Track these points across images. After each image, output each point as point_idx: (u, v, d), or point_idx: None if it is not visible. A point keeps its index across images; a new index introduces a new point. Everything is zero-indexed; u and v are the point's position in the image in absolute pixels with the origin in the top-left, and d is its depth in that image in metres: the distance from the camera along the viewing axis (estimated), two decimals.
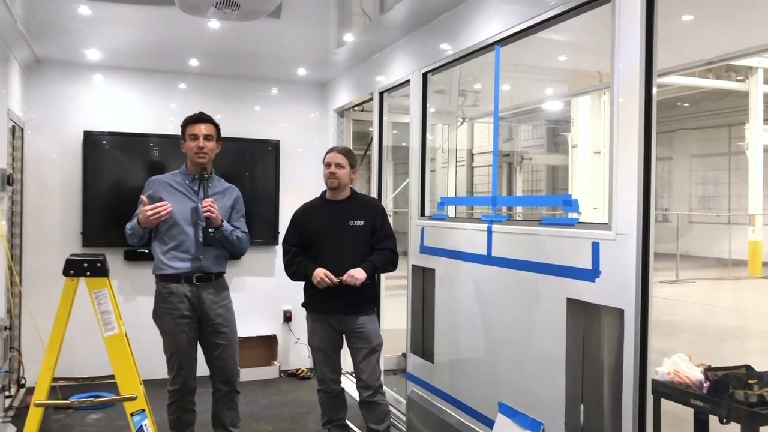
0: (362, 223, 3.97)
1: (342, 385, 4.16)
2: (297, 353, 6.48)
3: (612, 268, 2.72)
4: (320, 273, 3.82)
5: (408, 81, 4.66)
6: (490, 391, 3.60)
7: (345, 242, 3.93)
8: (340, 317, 3.96)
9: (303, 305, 4.10)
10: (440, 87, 5.74)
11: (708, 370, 3.39)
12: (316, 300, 3.99)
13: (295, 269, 3.97)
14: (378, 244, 3.97)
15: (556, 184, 21.48)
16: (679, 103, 18.06)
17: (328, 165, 4.00)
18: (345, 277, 3.81)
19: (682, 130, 20.13)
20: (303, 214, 4.11)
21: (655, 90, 2.64)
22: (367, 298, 4.00)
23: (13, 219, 5.41)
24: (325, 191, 4.11)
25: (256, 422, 4.94)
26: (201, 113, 3.86)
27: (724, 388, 3.11)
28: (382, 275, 4.87)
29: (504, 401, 3.45)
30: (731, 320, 10.38)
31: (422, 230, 4.39)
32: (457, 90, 6.15)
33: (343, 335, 4.05)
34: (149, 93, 6.12)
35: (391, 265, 4.02)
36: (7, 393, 4.87)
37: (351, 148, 4.25)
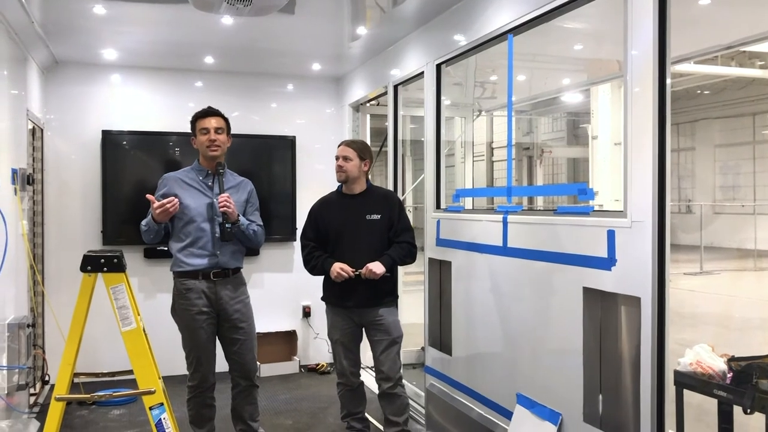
0: (379, 216, 3.94)
1: (361, 378, 4.16)
2: (316, 348, 6.50)
3: (628, 256, 2.68)
4: (337, 267, 3.82)
5: (422, 73, 4.64)
6: (508, 383, 3.58)
7: (362, 236, 3.91)
8: (359, 310, 3.95)
9: (322, 299, 4.10)
10: (457, 80, 5.72)
11: (731, 360, 3.33)
12: (335, 294, 3.98)
13: (313, 264, 3.97)
14: (396, 237, 3.95)
15: (577, 176, 21.28)
16: (699, 91, 17.78)
17: (337, 158, 4.00)
18: (363, 271, 3.79)
19: (704, 119, 19.83)
20: (320, 209, 4.10)
21: (669, 77, 2.59)
22: (387, 290, 3.99)
23: (34, 219, 5.49)
24: (341, 185, 4.10)
25: (276, 417, 4.96)
26: (209, 107, 3.87)
27: (747, 378, 3.06)
28: (400, 270, 4.86)
29: (522, 392, 3.42)
30: (756, 311, 10.21)
31: (438, 223, 4.37)
32: (473, 82, 6.11)
33: (363, 328, 4.04)
34: (166, 92, 6.17)
35: (410, 258, 4.00)
36: (31, 390, 4.94)
37: (365, 142, 4.21)
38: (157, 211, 3.55)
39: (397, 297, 4.11)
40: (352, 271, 3.81)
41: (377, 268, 3.80)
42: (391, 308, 4.03)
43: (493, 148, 16.54)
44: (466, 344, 4.08)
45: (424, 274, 4.61)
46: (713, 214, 19.30)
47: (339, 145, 4.08)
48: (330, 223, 3.99)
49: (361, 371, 4.27)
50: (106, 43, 5.31)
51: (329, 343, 6.37)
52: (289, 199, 6.38)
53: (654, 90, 2.59)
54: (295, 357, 6.35)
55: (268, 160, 6.41)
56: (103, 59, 5.73)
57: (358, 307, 3.94)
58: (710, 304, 10.48)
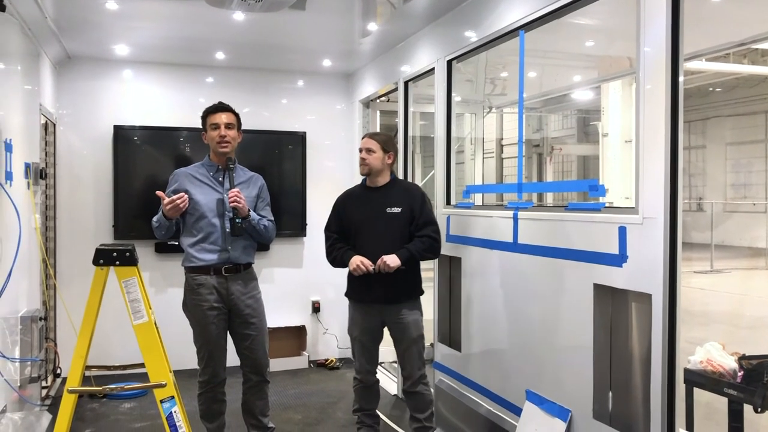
0: (400, 210, 3.85)
1: (377, 376, 4.09)
2: (326, 344, 6.53)
3: (639, 253, 2.68)
4: (356, 260, 3.75)
5: (433, 69, 4.64)
6: (517, 379, 3.59)
7: (381, 229, 3.83)
8: (380, 306, 3.86)
9: (345, 294, 4.03)
10: (467, 76, 5.71)
11: (742, 358, 3.32)
12: (357, 288, 3.91)
13: (334, 256, 3.91)
14: (418, 231, 3.84)
15: (587, 174, 21.20)
16: (711, 89, 17.66)
17: (360, 151, 3.94)
18: (378, 263, 3.70)
19: (716, 117, 19.71)
20: (343, 201, 4.04)
21: (682, 74, 2.58)
22: (409, 288, 3.89)
23: (47, 213, 5.53)
24: (365, 178, 4.03)
25: (285, 411, 4.99)
26: (220, 102, 3.87)
27: (758, 376, 3.05)
28: None
29: (531, 389, 3.43)
30: (767, 310, 10.15)
31: (448, 219, 4.38)
32: (483, 78, 6.10)
33: (384, 325, 3.95)
34: (177, 87, 6.19)
35: (431, 253, 3.88)
36: (43, 383, 4.99)
37: (390, 134, 4.10)
38: (167, 207, 3.56)
39: (420, 294, 3.97)
40: (371, 265, 3.73)
41: (391, 260, 3.70)
42: (413, 306, 3.91)
43: (502, 145, 16.50)
44: (475, 340, 4.08)
45: (433, 270, 4.61)
46: (724, 212, 19.19)
47: (363, 138, 4.00)
48: (351, 216, 3.93)
49: (379, 368, 4.20)
50: (118, 39, 5.34)
51: (338, 339, 6.47)
52: (299, 195, 6.40)
53: (666, 87, 2.58)
54: (304, 352, 6.37)
55: (279, 155, 6.43)
56: (115, 54, 5.76)
57: (377, 302, 3.85)
58: (721, 302, 10.42)
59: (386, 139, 3.97)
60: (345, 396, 5.37)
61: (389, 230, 3.83)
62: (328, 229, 4.02)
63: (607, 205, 3.01)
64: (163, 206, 3.58)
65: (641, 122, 2.69)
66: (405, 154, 5.22)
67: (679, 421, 2.65)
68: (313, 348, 6.49)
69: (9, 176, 3.77)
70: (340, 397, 5.35)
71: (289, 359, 6.23)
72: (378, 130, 6.48)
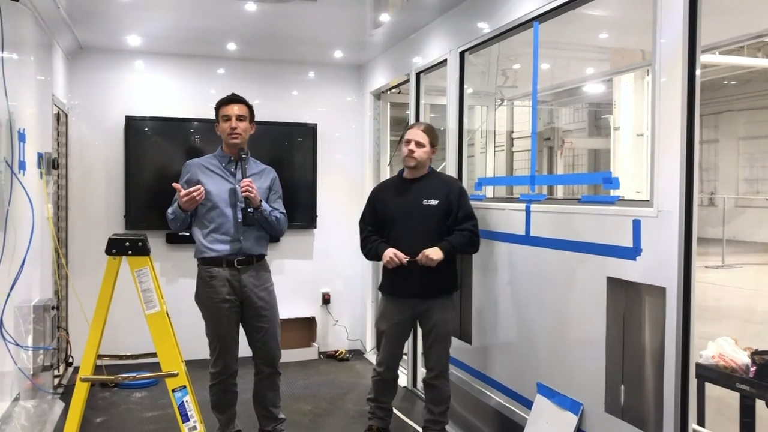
0: (437, 202, 3.76)
1: (398, 372, 4.05)
2: (336, 335, 6.54)
3: (653, 246, 2.66)
4: (390, 253, 3.68)
5: (445, 61, 4.61)
6: (528, 372, 3.58)
7: (417, 222, 3.75)
8: (414, 301, 3.79)
9: (379, 288, 3.97)
10: (480, 68, 5.68)
11: (755, 353, 3.30)
12: (391, 282, 3.84)
13: (368, 249, 3.86)
14: (457, 225, 3.74)
15: (597, 167, 21.09)
16: (725, 82, 17.50)
17: (407, 142, 3.80)
18: (420, 257, 3.63)
19: (729, 111, 19.54)
20: (379, 193, 3.99)
21: (698, 67, 2.55)
22: (445, 282, 3.81)
23: (58, 203, 5.56)
24: (402, 169, 3.95)
25: (295, 402, 5.00)
26: (233, 94, 3.86)
27: None
28: None
29: (542, 382, 3.42)
30: None
31: None
32: (495, 70, 6.07)
33: (416, 319, 3.89)
34: (188, 78, 6.19)
35: (472, 247, 3.79)
36: (56, 372, 5.02)
37: (431, 124, 4.02)
38: (184, 199, 3.55)
39: (455, 289, 3.90)
40: (405, 258, 3.67)
41: (434, 254, 3.60)
42: (448, 302, 3.83)
43: (513, 138, 16.43)
44: (486, 333, 4.07)
45: None
46: (736, 207, 19.05)
47: (409, 127, 3.87)
48: (386, 208, 3.86)
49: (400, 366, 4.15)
50: (130, 29, 5.34)
51: (348, 331, 6.47)
52: (310, 187, 6.40)
53: (683, 80, 2.55)
54: (314, 343, 6.38)
55: (289, 147, 6.42)
56: (127, 45, 5.77)
57: (411, 296, 3.78)
58: (733, 297, 10.36)
59: (433, 132, 3.86)
60: (355, 387, 5.38)
61: (425, 223, 3.74)
62: (363, 221, 3.96)
63: (619, 198, 2.99)
64: (179, 198, 3.59)
65: (656, 115, 2.67)
66: None
67: (691, 416, 2.63)
68: (323, 339, 6.50)
69: (22, 166, 3.78)
70: (349, 388, 5.36)
71: (299, 350, 6.25)
72: (388, 121, 6.46)
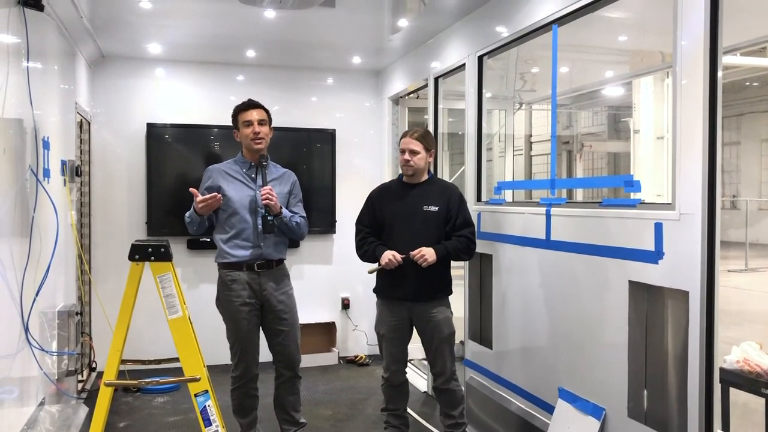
0: (437, 208, 3.80)
1: (406, 375, 4.04)
2: (355, 340, 6.55)
3: (676, 249, 2.64)
4: (389, 254, 3.71)
5: (463, 65, 4.61)
6: (550, 377, 3.56)
7: (416, 227, 3.78)
8: (410, 304, 3.82)
9: (374, 290, 3.99)
10: (498, 72, 5.67)
11: None
12: (386, 284, 3.86)
13: (365, 250, 3.88)
14: (455, 231, 3.78)
15: (617, 171, 20.93)
16: (747, 83, 17.29)
17: (402, 152, 3.85)
18: (414, 252, 3.65)
19: (751, 113, 19.31)
20: (378, 195, 4.00)
21: (720, 69, 2.52)
22: (439, 286, 3.84)
23: (82, 210, 5.63)
24: (402, 173, 3.97)
25: (315, 407, 5.01)
26: (250, 100, 3.89)
27: None
28: None
29: (564, 386, 3.40)
30: None
31: (479, 216, 4.35)
32: (514, 74, 6.06)
33: (413, 322, 3.90)
34: (208, 85, 6.25)
35: (466, 254, 3.82)
36: (79, 376, 5.07)
37: (428, 129, 4.00)
38: (200, 205, 3.61)
39: (449, 293, 3.94)
40: (401, 257, 3.69)
41: (429, 254, 3.64)
42: (443, 305, 3.86)
43: (531, 142, 16.36)
44: (507, 338, 4.05)
45: (464, 267, 4.59)
46: (759, 210, 18.80)
47: (402, 137, 3.92)
48: (386, 211, 3.89)
49: (409, 366, 4.15)
50: (151, 38, 5.41)
51: (368, 335, 6.48)
52: (329, 192, 6.43)
53: (705, 82, 2.53)
54: (334, 348, 6.39)
55: (308, 153, 6.46)
56: (148, 53, 5.84)
57: (407, 299, 3.81)
58: (756, 301, 10.23)
59: (427, 137, 3.90)
60: (375, 392, 5.38)
61: (425, 228, 3.78)
62: (360, 222, 3.98)
63: (641, 201, 2.97)
64: (195, 203, 3.63)
65: (678, 118, 2.65)
66: (436, 151, 5.20)
67: (715, 421, 2.60)
68: (343, 344, 6.51)
69: (47, 173, 3.84)
70: (370, 393, 5.37)
71: (319, 355, 6.26)
72: (406, 127, 6.47)
